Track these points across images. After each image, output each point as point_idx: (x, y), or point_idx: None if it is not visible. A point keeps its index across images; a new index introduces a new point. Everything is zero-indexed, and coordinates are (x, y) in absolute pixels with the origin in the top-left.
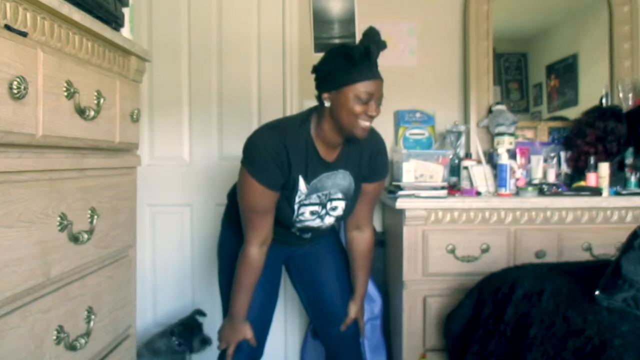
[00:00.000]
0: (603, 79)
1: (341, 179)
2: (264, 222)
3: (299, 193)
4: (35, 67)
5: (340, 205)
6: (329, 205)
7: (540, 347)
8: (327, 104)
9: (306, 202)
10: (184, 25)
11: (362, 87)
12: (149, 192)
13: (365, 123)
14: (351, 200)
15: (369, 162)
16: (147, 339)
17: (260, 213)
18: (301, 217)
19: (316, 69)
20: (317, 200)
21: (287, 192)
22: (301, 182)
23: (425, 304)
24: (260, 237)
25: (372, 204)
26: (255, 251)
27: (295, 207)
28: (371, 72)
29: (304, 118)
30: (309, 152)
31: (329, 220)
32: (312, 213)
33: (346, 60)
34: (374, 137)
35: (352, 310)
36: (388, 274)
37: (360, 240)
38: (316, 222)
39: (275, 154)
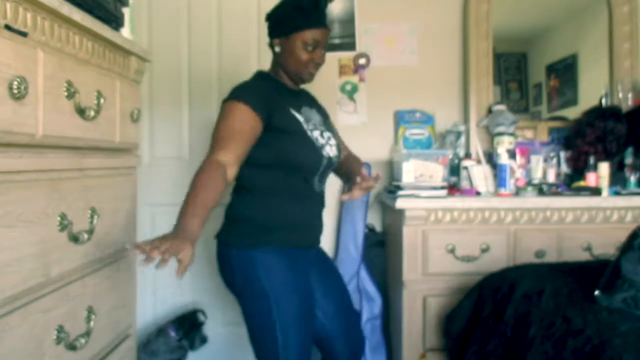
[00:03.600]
0: (603, 79)
1: (315, 114)
2: (234, 140)
3: (300, 121)
4: (35, 67)
5: (329, 133)
6: (325, 134)
7: (540, 347)
8: (277, 49)
9: (310, 127)
10: (184, 25)
11: (309, 34)
12: (149, 192)
13: (311, 70)
14: (333, 132)
15: (318, 102)
16: (142, 339)
17: (235, 132)
18: (319, 142)
19: (268, 16)
20: (315, 126)
21: (289, 124)
22: (293, 111)
23: (425, 303)
24: (224, 150)
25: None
26: (218, 159)
27: (309, 133)
28: (319, 20)
29: (259, 74)
30: (277, 84)
31: (334, 150)
32: (321, 136)
33: (296, 8)
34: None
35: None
36: (388, 274)
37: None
38: (329, 149)
39: (261, 87)
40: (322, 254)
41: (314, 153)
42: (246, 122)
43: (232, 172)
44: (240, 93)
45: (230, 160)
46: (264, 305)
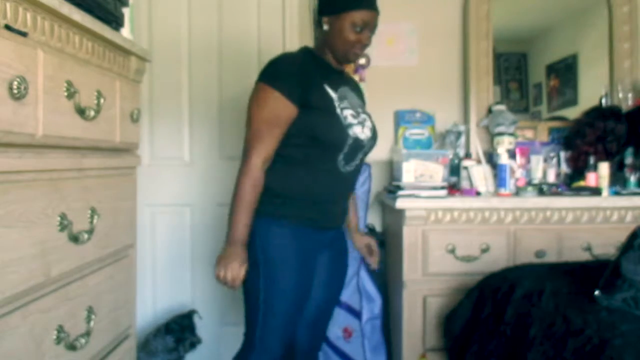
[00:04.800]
0: (603, 79)
1: (355, 96)
2: (273, 136)
3: (333, 98)
4: (35, 67)
5: (366, 116)
6: (361, 116)
7: (540, 347)
8: (325, 27)
9: (342, 105)
10: (184, 25)
11: (359, 15)
12: (149, 192)
13: (357, 51)
14: (370, 117)
15: (361, 91)
16: (141, 339)
17: (273, 124)
18: (348, 121)
19: None
20: (349, 106)
21: (323, 101)
22: (328, 89)
23: (425, 303)
24: (265, 149)
25: None
26: (260, 163)
27: (338, 111)
28: (369, 2)
29: (303, 49)
30: (319, 61)
31: (367, 132)
32: (353, 116)
33: None
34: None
35: (362, 243)
36: (388, 274)
37: None
38: (359, 130)
39: (292, 62)
40: (339, 238)
41: (338, 130)
42: (281, 111)
43: (268, 164)
44: (276, 76)
45: (268, 156)
46: (255, 273)
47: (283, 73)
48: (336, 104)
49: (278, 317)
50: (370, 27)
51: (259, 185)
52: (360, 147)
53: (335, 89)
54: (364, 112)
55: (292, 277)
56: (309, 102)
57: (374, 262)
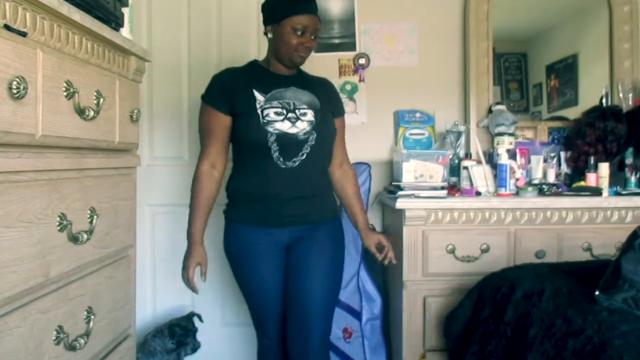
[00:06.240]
0: (603, 79)
1: (301, 95)
2: (212, 143)
3: (257, 101)
4: (35, 67)
5: (309, 112)
6: (297, 112)
7: (540, 347)
8: (270, 35)
9: (267, 106)
10: (183, 26)
11: (298, 20)
12: (149, 192)
13: (302, 54)
14: (320, 112)
15: (326, 90)
16: (141, 339)
17: (209, 133)
18: (267, 119)
19: (263, 6)
20: (279, 105)
21: (246, 105)
22: (256, 93)
23: (425, 304)
24: (208, 155)
25: (343, 141)
26: (205, 168)
27: (258, 111)
28: (306, 7)
29: (249, 62)
30: (256, 69)
31: (302, 126)
32: (277, 113)
33: None
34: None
35: (371, 241)
36: (388, 274)
37: (347, 176)
38: (287, 126)
39: (222, 77)
40: (321, 231)
41: (254, 128)
42: (214, 122)
43: (219, 167)
44: (207, 91)
45: (212, 162)
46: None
47: (211, 88)
48: (258, 104)
49: (251, 305)
50: (310, 30)
51: (207, 187)
52: (298, 142)
53: (266, 91)
54: (313, 108)
55: (241, 273)
56: (235, 109)
57: (385, 259)
